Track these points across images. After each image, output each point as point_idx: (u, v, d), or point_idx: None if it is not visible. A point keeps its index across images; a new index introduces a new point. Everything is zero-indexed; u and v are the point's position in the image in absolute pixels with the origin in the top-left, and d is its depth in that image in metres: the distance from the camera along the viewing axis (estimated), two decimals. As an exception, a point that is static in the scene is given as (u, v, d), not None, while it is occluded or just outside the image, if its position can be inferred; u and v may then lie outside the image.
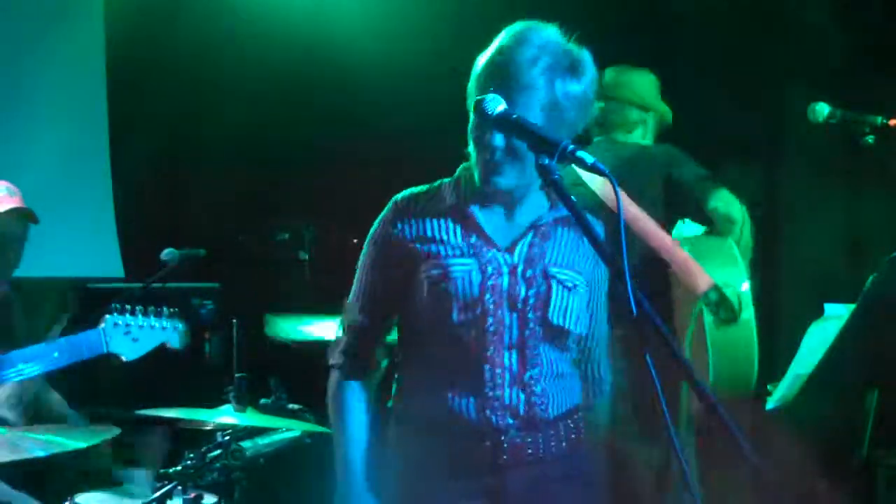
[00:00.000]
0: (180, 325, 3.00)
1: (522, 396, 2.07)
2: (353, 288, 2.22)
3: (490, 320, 2.05)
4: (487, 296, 2.05)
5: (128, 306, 2.93)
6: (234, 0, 5.21)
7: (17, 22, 4.99)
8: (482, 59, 2.07)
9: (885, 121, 2.70)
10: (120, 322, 2.90)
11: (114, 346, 2.89)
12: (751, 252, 3.33)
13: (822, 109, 2.86)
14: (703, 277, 3.18)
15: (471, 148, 2.10)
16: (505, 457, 2.07)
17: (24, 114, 4.90)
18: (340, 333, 2.24)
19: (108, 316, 2.91)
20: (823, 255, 3.80)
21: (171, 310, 3.00)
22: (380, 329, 2.22)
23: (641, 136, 3.63)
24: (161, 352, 3.18)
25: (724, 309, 3.13)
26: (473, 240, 2.10)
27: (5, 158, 4.66)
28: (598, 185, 3.26)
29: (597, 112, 3.42)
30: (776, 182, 4.10)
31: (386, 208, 2.18)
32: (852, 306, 2.26)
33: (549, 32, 2.06)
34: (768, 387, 3.22)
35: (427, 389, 2.11)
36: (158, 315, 2.97)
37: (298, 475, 3.67)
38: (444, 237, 2.11)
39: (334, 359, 2.23)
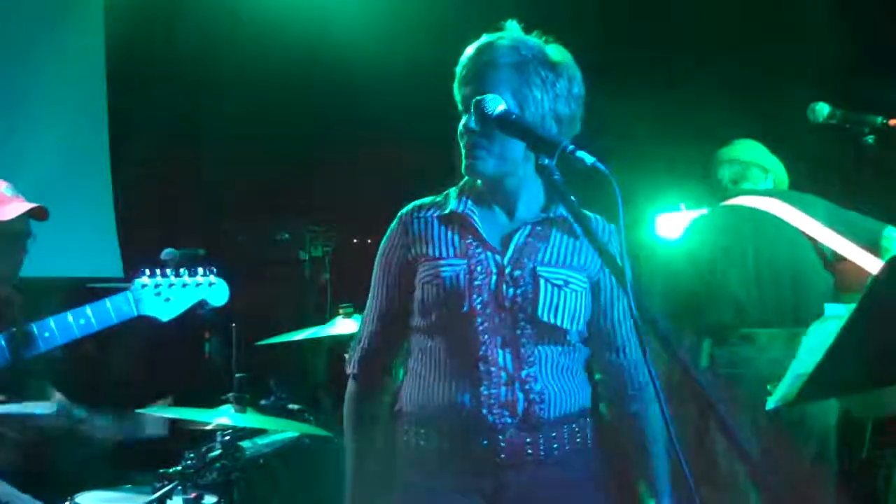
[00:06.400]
0: (217, 281, 2.85)
1: (521, 395, 2.07)
2: (368, 299, 2.27)
3: (479, 320, 2.08)
4: (475, 296, 2.08)
5: (157, 269, 2.77)
6: (234, 0, 5.21)
7: (18, 22, 4.98)
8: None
9: (885, 121, 2.70)
10: (149, 283, 2.75)
11: (144, 309, 2.73)
12: None
13: (822, 109, 2.86)
14: None
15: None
16: (503, 455, 2.07)
17: (24, 113, 4.90)
18: (356, 343, 2.29)
19: (136, 279, 2.76)
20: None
21: (207, 268, 2.84)
22: (393, 337, 2.24)
23: None
24: (161, 351, 3.18)
25: None
26: (469, 240, 2.13)
27: (5, 158, 4.66)
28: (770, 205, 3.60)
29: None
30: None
31: (393, 222, 2.23)
32: (852, 306, 2.26)
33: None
34: (768, 387, 3.23)
35: (427, 387, 2.13)
36: (192, 273, 2.81)
37: (298, 475, 3.67)
38: (441, 241, 2.15)
39: (351, 368, 2.27)
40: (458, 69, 2.13)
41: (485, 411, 2.06)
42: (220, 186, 5.39)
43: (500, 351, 2.08)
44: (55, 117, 5.02)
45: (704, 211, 4.03)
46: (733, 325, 3.61)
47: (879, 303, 2.22)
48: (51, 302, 3.14)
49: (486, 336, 2.08)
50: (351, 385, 2.28)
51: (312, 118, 5.34)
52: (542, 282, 2.10)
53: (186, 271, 2.83)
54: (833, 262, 3.57)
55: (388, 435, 2.22)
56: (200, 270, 2.84)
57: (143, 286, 2.77)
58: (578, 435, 2.14)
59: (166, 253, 3.33)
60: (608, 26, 4.62)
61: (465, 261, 2.11)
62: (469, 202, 2.16)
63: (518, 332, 2.09)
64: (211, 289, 2.85)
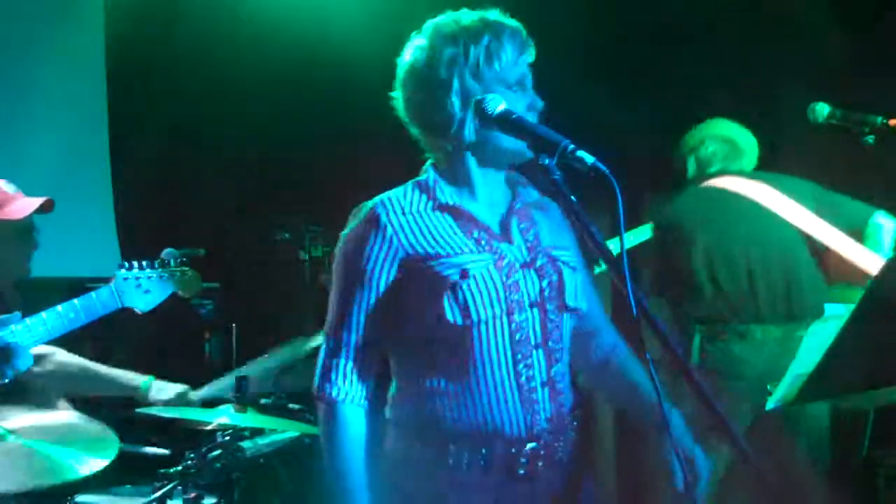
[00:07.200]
0: (188, 272, 3.01)
1: (548, 395, 2.01)
2: (336, 308, 2.03)
3: (515, 317, 1.98)
4: (510, 293, 1.98)
5: (134, 262, 2.95)
6: (233, 0, 5.21)
7: (17, 22, 4.98)
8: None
9: (885, 121, 2.70)
10: (129, 276, 2.91)
11: (127, 301, 2.91)
12: None
13: (822, 109, 2.87)
14: None
15: (471, 134, 2.03)
16: (540, 463, 2.00)
17: (24, 114, 4.90)
18: (328, 358, 2.03)
19: (117, 272, 2.92)
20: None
21: (178, 259, 3.01)
22: (376, 345, 2.04)
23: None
24: (161, 351, 3.19)
25: None
26: (477, 234, 2.03)
27: (5, 158, 4.66)
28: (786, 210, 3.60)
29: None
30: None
31: (359, 218, 2.05)
32: (852, 306, 2.26)
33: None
34: (768, 387, 3.24)
35: (459, 400, 1.98)
36: (166, 265, 2.99)
37: (298, 475, 3.67)
38: (445, 235, 2.02)
39: (329, 389, 2.01)
40: (513, 57, 2.02)
41: (529, 417, 1.98)
42: (220, 186, 5.39)
43: (535, 351, 2.00)
44: (55, 117, 5.03)
45: None
46: (725, 320, 3.61)
47: (879, 303, 2.22)
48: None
49: (520, 335, 1.98)
50: (334, 409, 2.00)
51: (313, 118, 5.34)
52: (562, 267, 2.06)
53: (159, 262, 2.99)
54: (823, 252, 3.57)
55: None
56: (173, 262, 3.00)
57: (125, 279, 2.91)
58: (578, 429, 2.10)
59: (166, 253, 3.33)
60: (607, 26, 4.62)
61: (490, 255, 2.00)
62: (448, 191, 2.05)
63: (550, 326, 2.02)
64: (184, 279, 3.00)
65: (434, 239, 2.01)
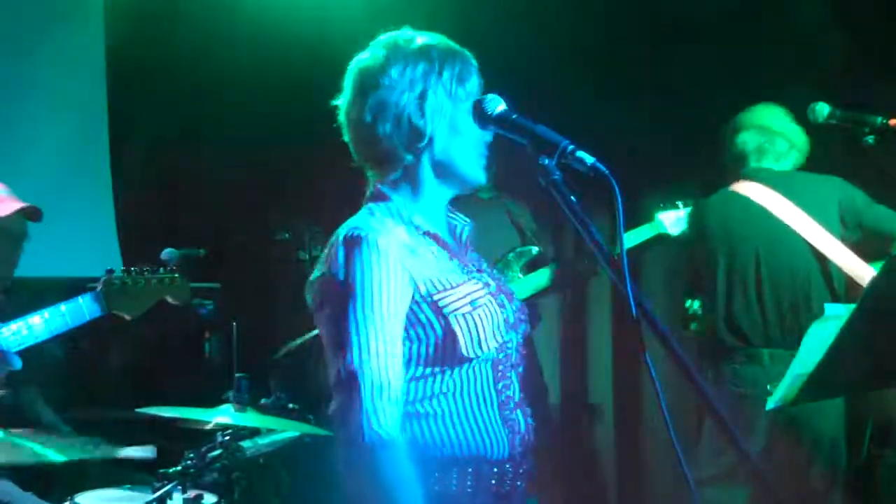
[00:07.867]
0: (178, 278, 2.98)
1: (521, 416, 2.04)
2: (360, 342, 1.88)
3: (507, 341, 2.01)
4: (502, 318, 2.00)
5: (122, 268, 2.93)
6: (233, 0, 5.20)
7: (17, 22, 4.99)
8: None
9: (885, 121, 2.71)
10: (116, 282, 2.89)
11: (114, 307, 2.88)
12: None
13: (822, 109, 2.87)
14: None
15: (452, 150, 2.03)
16: (519, 483, 2.01)
17: (24, 114, 4.90)
18: (367, 400, 1.86)
19: (103, 278, 2.90)
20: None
21: (169, 267, 2.99)
22: (401, 377, 1.92)
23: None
24: (161, 351, 3.19)
25: None
26: (456, 262, 2.02)
27: (5, 158, 4.66)
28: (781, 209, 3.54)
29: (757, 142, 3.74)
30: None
31: (358, 246, 1.92)
32: (852, 306, 2.26)
33: None
34: (768, 387, 3.24)
35: (455, 428, 1.95)
36: (155, 272, 2.96)
37: (298, 475, 3.67)
38: (438, 264, 1.99)
39: (378, 431, 1.85)
40: (473, 86, 2.05)
41: (508, 437, 1.99)
42: (220, 186, 5.38)
43: (511, 373, 2.03)
44: (55, 118, 5.02)
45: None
46: (738, 346, 3.59)
47: (879, 303, 2.22)
48: (49, 302, 3.15)
49: (503, 355, 2.01)
50: (394, 452, 1.85)
51: (313, 118, 5.32)
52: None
53: (148, 269, 2.96)
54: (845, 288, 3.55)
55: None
56: (162, 269, 2.98)
57: (112, 286, 2.87)
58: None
59: (166, 253, 3.33)
60: (608, 25, 4.62)
61: (480, 281, 2.01)
62: (416, 215, 2.03)
63: (523, 351, 2.06)
64: (173, 286, 2.98)
65: (431, 269, 1.96)
